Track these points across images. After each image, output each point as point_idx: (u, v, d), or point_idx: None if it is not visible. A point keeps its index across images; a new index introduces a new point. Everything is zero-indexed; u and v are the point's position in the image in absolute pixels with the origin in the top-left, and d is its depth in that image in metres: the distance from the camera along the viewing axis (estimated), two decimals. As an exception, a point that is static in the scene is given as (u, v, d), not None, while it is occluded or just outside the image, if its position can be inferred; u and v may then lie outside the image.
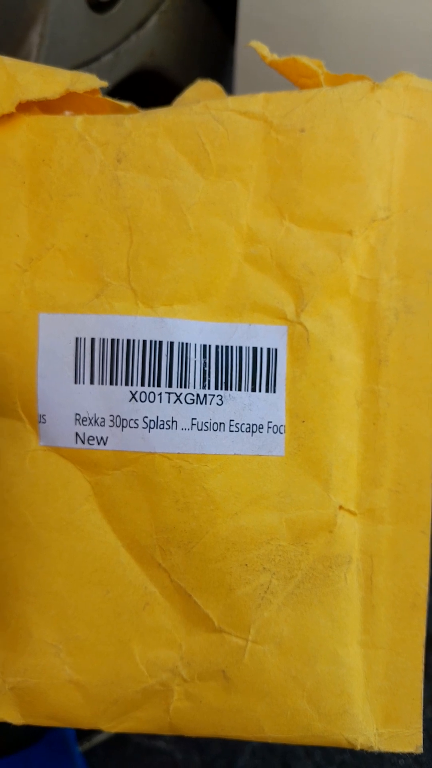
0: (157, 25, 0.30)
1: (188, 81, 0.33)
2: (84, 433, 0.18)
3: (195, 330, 0.18)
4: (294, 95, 0.19)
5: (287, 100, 0.19)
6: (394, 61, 0.27)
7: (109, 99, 0.20)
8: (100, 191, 0.19)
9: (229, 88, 0.31)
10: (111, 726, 0.19)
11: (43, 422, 0.19)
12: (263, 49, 0.20)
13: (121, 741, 0.32)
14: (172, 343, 0.18)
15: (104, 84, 0.20)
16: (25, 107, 0.19)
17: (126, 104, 0.20)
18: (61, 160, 0.19)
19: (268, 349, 0.19)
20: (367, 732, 0.19)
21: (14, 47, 0.26)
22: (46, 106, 0.20)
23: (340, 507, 0.19)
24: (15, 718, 0.19)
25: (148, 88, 0.32)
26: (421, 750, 0.19)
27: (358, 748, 0.19)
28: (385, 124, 0.19)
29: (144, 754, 0.32)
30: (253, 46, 0.20)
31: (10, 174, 0.19)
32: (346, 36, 0.27)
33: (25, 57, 0.25)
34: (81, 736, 0.31)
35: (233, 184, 0.19)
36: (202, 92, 0.21)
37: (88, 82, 0.19)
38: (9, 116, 0.19)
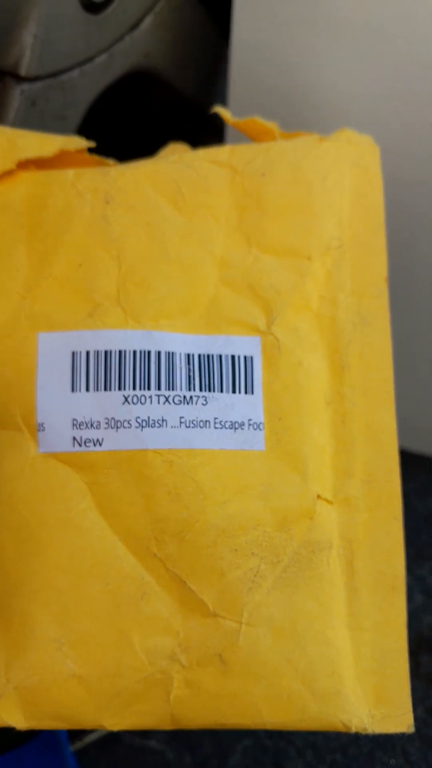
0: (152, 26, 0.30)
1: (183, 81, 0.33)
2: (81, 437, 0.20)
3: (179, 341, 0.21)
4: (255, 147, 0.22)
5: (249, 151, 0.22)
6: (394, 58, 0.27)
7: (96, 156, 0.23)
8: (91, 227, 0.21)
9: (223, 89, 0.32)
10: (114, 723, 0.19)
11: (42, 430, 0.20)
12: (226, 114, 0.23)
13: (112, 740, 0.31)
14: (159, 352, 0.20)
15: (92, 144, 0.23)
16: (24, 165, 0.22)
17: (110, 161, 0.24)
18: (56, 205, 0.22)
19: (245, 357, 0.21)
20: (360, 713, 0.19)
21: (6, 48, 0.25)
22: (41, 164, 0.23)
23: (318, 496, 0.20)
24: (18, 720, 0.19)
25: (142, 89, 0.32)
26: (412, 729, 0.20)
27: (353, 730, 0.19)
28: (334, 168, 0.22)
29: (136, 754, 0.31)
30: (217, 111, 0.23)
31: (11, 220, 0.22)
32: (342, 36, 0.27)
33: (18, 58, 0.25)
34: (73, 736, 0.30)
35: (207, 219, 0.22)
36: (174, 151, 0.24)
37: (78, 143, 0.23)
38: (10, 173, 0.22)
